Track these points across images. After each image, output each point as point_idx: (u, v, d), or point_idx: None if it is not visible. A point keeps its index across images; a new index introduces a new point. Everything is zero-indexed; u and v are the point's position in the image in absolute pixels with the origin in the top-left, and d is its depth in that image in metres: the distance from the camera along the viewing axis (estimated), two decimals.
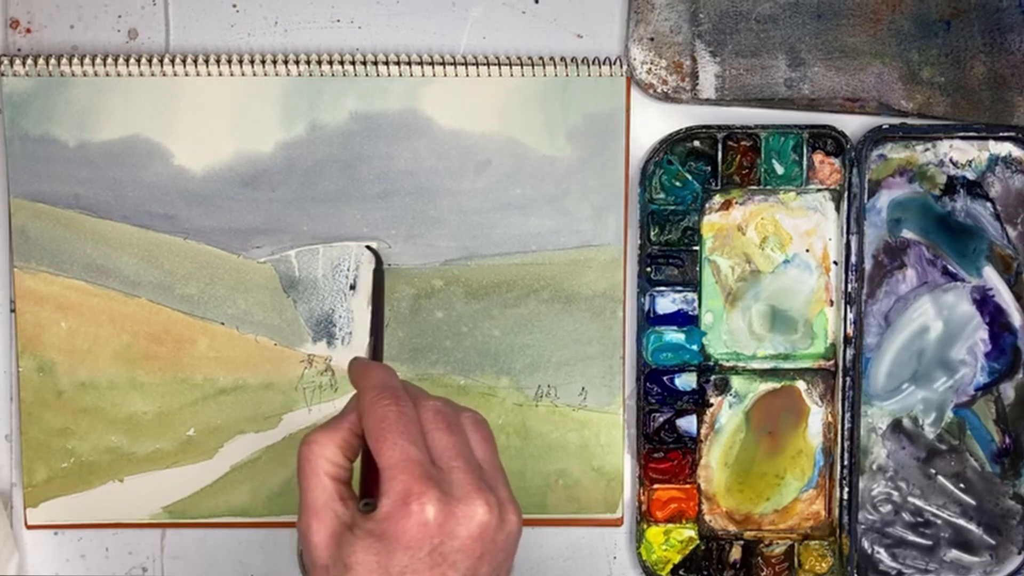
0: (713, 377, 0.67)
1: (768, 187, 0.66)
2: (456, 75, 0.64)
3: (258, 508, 0.66)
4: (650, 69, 0.65)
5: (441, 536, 0.44)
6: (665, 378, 0.67)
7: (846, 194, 0.65)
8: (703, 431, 0.67)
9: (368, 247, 0.64)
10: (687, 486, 0.67)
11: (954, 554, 0.69)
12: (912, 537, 0.69)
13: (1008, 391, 0.68)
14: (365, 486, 0.48)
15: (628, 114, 0.65)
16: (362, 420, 0.47)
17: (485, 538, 0.45)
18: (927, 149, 0.67)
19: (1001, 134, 0.66)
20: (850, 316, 0.66)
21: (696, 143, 0.65)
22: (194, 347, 0.65)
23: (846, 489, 0.67)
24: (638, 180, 0.65)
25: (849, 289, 0.66)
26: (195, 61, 0.63)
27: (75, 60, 0.63)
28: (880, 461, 0.68)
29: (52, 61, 0.63)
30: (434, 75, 0.64)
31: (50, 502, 0.66)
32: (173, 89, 0.63)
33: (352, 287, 0.65)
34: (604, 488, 0.67)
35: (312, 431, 0.47)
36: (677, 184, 0.66)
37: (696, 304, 0.66)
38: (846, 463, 0.67)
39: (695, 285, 0.66)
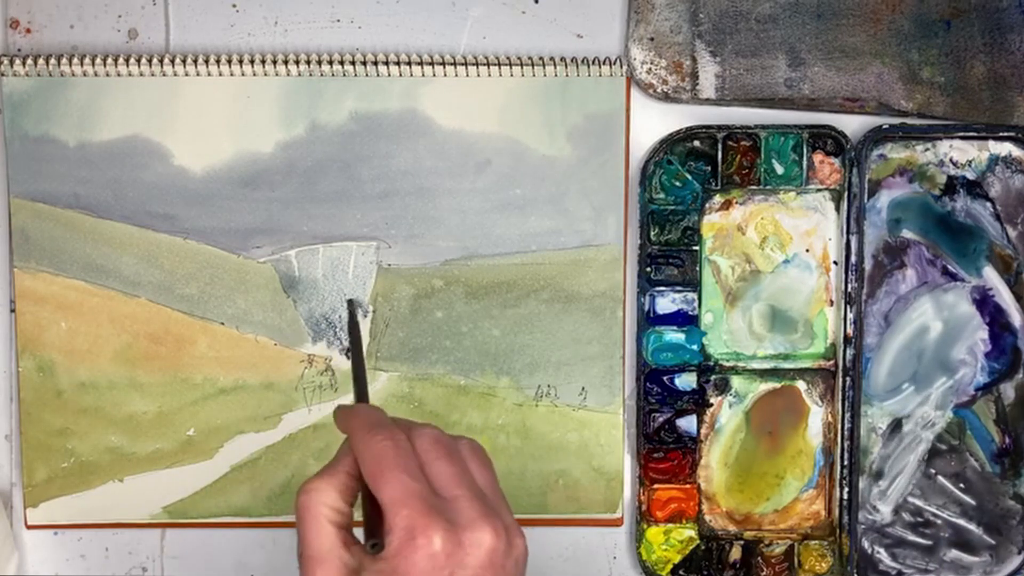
0: (713, 377, 0.67)
1: (768, 187, 0.66)
2: (456, 75, 0.64)
3: (258, 508, 0.66)
4: (650, 69, 0.65)
5: (451, 567, 0.43)
6: (665, 378, 0.67)
7: (846, 194, 0.65)
8: (703, 431, 0.67)
9: (349, 300, 0.64)
10: (687, 486, 0.67)
11: (954, 554, 0.69)
12: (912, 537, 0.69)
13: (1008, 391, 0.68)
14: (370, 526, 0.46)
15: (628, 114, 0.65)
16: (359, 460, 0.46)
17: (495, 564, 0.44)
18: (927, 149, 0.67)
19: (1001, 134, 0.66)
20: (850, 316, 0.66)
21: (696, 143, 0.65)
22: (194, 347, 0.65)
23: (846, 489, 0.67)
24: (638, 180, 0.65)
25: (849, 289, 0.66)
26: (195, 61, 0.63)
27: (75, 60, 0.63)
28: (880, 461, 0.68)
29: (52, 61, 0.63)
30: (434, 75, 0.64)
31: (50, 502, 0.66)
32: (173, 89, 0.63)
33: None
34: (604, 488, 0.67)
35: (309, 479, 0.46)
36: (677, 184, 0.66)
37: (696, 304, 0.66)
38: (846, 463, 0.67)
39: (695, 285, 0.66)
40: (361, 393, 0.53)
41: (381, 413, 0.49)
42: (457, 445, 0.48)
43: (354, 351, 0.54)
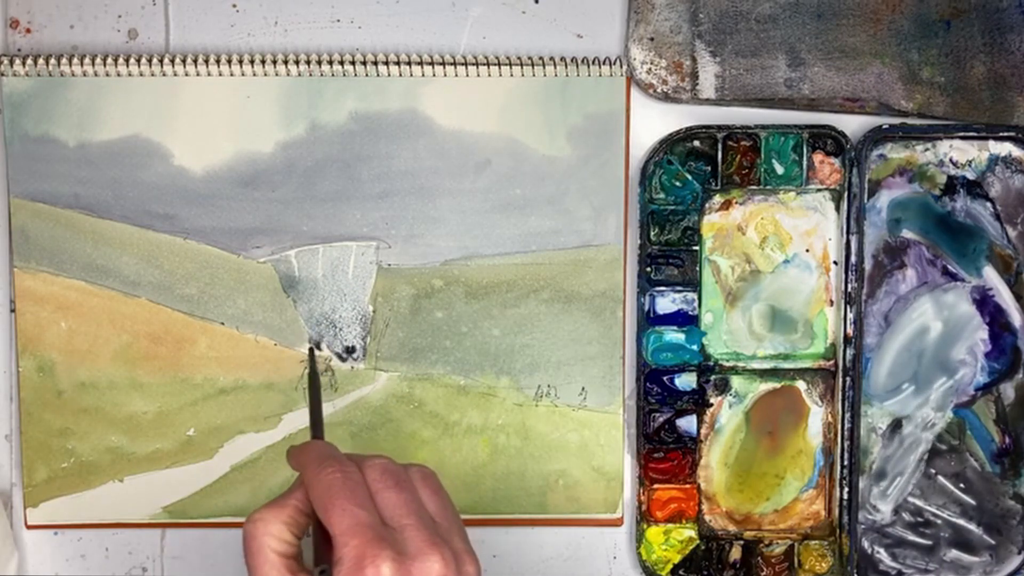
0: (713, 377, 0.67)
1: (768, 187, 0.66)
2: (456, 75, 0.64)
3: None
4: (650, 69, 0.65)
5: None
6: (665, 378, 0.67)
7: (846, 194, 0.66)
8: (703, 431, 0.67)
9: (311, 347, 0.65)
10: (687, 486, 0.67)
11: (954, 554, 0.69)
12: (912, 537, 0.69)
13: (1008, 391, 0.68)
14: (319, 557, 0.47)
15: (628, 114, 0.65)
16: (309, 493, 0.47)
17: None
18: (927, 149, 0.67)
19: (1001, 134, 0.66)
20: (850, 316, 0.66)
21: (696, 143, 0.65)
22: (194, 347, 0.65)
23: (846, 489, 0.67)
24: (638, 180, 0.65)
25: (849, 289, 0.66)
26: (195, 61, 0.63)
27: (75, 60, 0.63)
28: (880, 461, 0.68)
29: (52, 61, 0.63)
30: (434, 75, 0.64)
31: (50, 502, 0.66)
32: (173, 89, 0.63)
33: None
34: (604, 488, 0.67)
35: (257, 510, 0.47)
36: (677, 184, 0.66)
37: (696, 304, 0.66)
38: (846, 463, 0.67)
39: (695, 285, 0.66)
40: (316, 432, 0.53)
41: (332, 448, 0.49)
42: (407, 473, 0.48)
43: (312, 392, 0.55)
